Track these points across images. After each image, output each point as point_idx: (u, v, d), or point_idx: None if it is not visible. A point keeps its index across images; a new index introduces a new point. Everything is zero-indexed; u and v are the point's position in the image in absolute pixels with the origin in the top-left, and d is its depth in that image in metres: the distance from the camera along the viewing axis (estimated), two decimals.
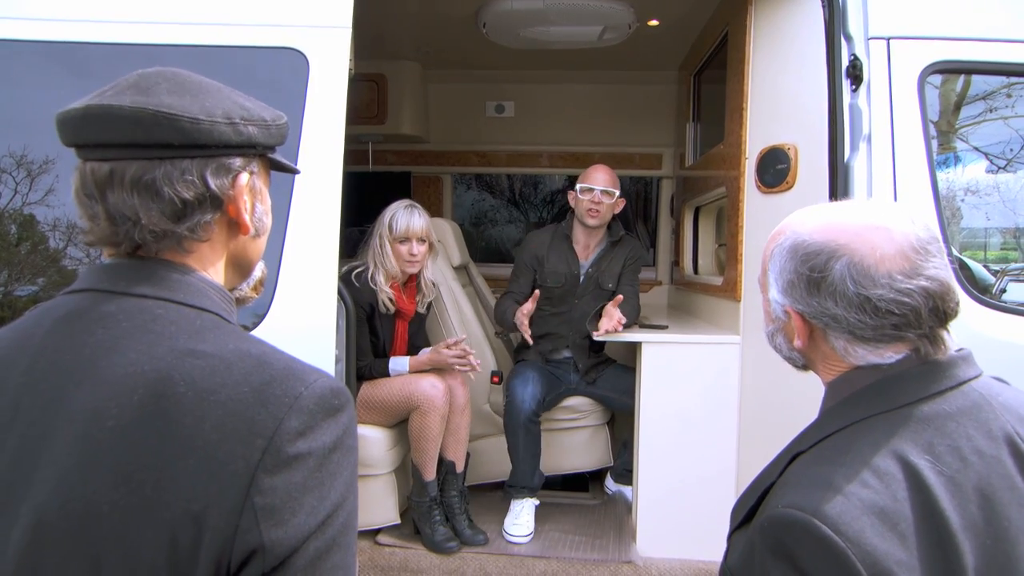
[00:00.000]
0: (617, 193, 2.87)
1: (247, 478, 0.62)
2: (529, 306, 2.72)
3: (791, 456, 0.88)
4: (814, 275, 0.86)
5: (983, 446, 0.81)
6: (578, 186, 2.89)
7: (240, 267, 0.84)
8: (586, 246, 2.94)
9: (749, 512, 0.90)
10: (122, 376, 0.65)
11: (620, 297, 2.65)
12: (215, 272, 0.79)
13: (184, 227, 0.73)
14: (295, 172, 0.88)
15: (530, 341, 2.76)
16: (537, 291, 2.75)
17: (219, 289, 0.78)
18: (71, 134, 0.73)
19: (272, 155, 0.83)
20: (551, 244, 2.94)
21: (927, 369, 0.85)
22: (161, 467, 0.62)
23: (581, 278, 2.90)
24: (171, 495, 0.61)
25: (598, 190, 2.83)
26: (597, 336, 2.57)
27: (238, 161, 0.76)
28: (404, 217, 2.58)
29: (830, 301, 0.85)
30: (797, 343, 0.93)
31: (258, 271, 0.88)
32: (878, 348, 0.86)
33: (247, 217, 0.79)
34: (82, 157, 0.74)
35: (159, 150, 0.71)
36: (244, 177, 0.77)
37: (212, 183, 0.74)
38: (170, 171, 0.72)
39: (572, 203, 2.95)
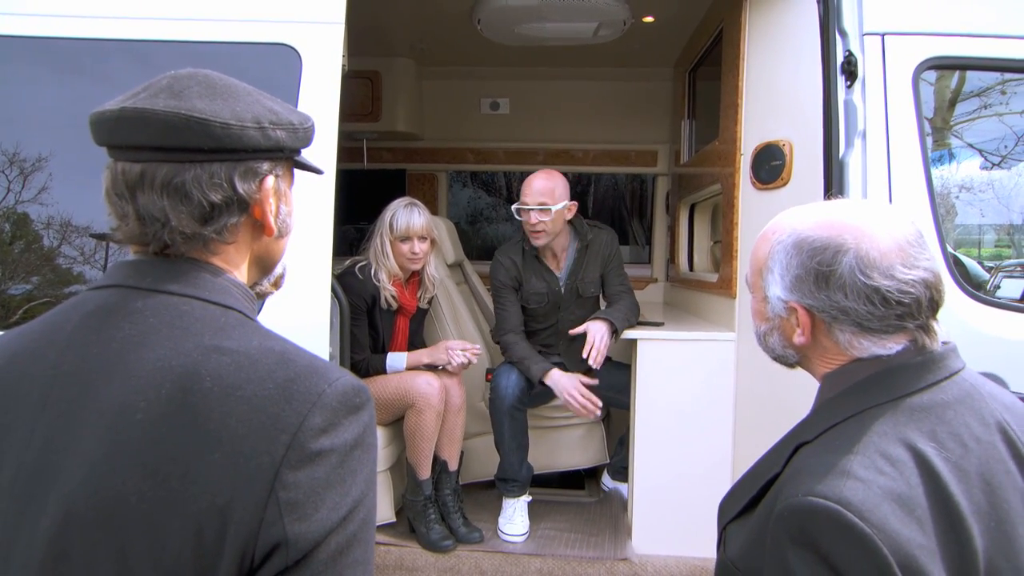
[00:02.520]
0: (556, 206, 2.58)
1: (271, 473, 0.63)
2: (583, 401, 2.52)
3: (794, 446, 0.90)
4: (823, 269, 0.89)
5: (979, 433, 0.84)
6: (516, 205, 2.63)
7: (263, 266, 0.86)
8: (554, 256, 2.76)
9: (750, 502, 0.91)
10: (150, 371, 0.66)
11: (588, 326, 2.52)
12: (239, 271, 0.81)
13: (211, 229, 0.75)
14: (319, 172, 0.90)
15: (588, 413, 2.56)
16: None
17: (242, 287, 0.80)
18: (105, 134, 0.75)
19: (297, 157, 0.84)
20: (524, 264, 2.74)
21: (925, 360, 0.88)
22: (188, 461, 0.63)
23: (562, 290, 2.79)
24: (197, 488, 0.62)
25: (532, 210, 2.56)
26: (594, 363, 2.50)
27: (265, 165, 0.78)
28: (404, 216, 2.58)
29: (840, 294, 0.88)
30: (799, 339, 0.94)
31: (279, 268, 0.90)
32: (882, 339, 0.89)
33: (272, 219, 0.80)
34: (114, 157, 0.75)
35: (190, 154, 0.73)
36: (270, 180, 0.79)
37: (240, 187, 0.75)
38: (199, 174, 0.73)
39: (518, 217, 2.70)
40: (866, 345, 0.89)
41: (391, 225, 2.57)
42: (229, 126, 0.73)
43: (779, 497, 0.82)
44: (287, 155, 0.81)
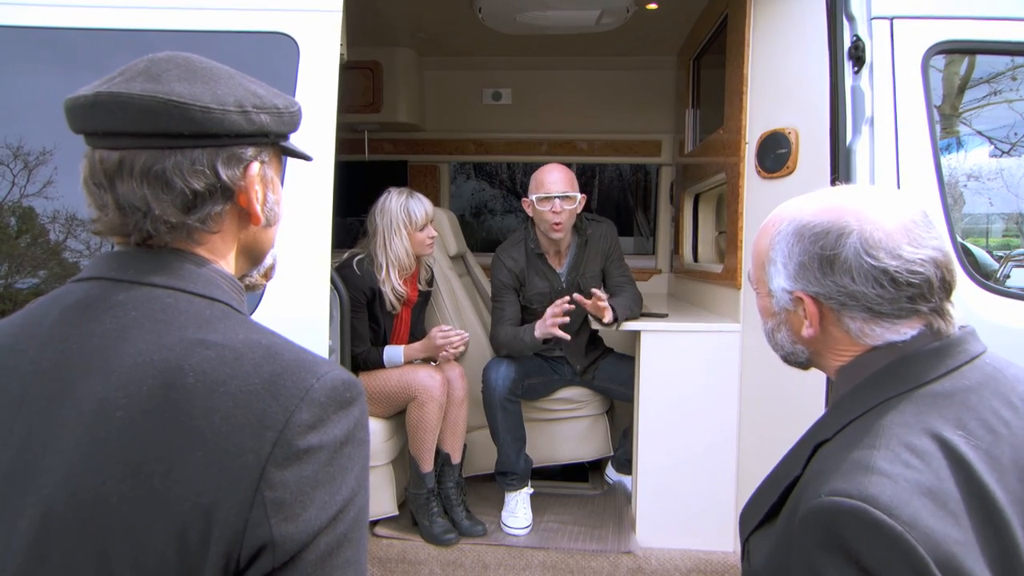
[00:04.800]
0: (578, 195, 2.59)
1: (257, 471, 0.61)
2: (555, 311, 2.46)
3: (813, 446, 0.86)
4: (826, 253, 0.86)
5: (1008, 417, 0.80)
6: (533, 196, 2.58)
7: (252, 256, 0.84)
8: (557, 252, 2.74)
9: (771, 510, 0.87)
10: (131, 366, 0.64)
11: (578, 297, 2.49)
12: (226, 261, 0.79)
13: (194, 218, 0.73)
14: (307, 159, 0.87)
15: (567, 336, 2.54)
16: (572, 295, 2.51)
17: (229, 278, 0.77)
18: (79, 121, 0.72)
19: (284, 143, 0.81)
20: (527, 264, 2.71)
21: (942, 345, 0.85)
22: (170, 459, 0.61)
23: (563, 287, 2.76)
24: (180, 488, 0.60)
25: (557, 198, 2.53)
26: (604, 324, 2.46)
27: (250, 150, 0.75)
28: (418, 205, 2.57)
29: (847, 278, 0.85)
30: (807, 332, 0.91)
31: (269, 259, 0.87)
32: (895, 324, 0.86)
33: (258, 207, 0.77)
34: (91, 145, 0.73)
35: (169, 139, 0.70)
36: (255, 167, 0.76)
37: (223, 173, 0.73)
38: (180, 161, 0.70)
39: (529, 212, 2.65)
40: (879, 332, 0.86)
41: (409, 218, 2.54)
42: (210, 110, 0.70)
43: (800, 501, 0.78)
44: (273, 140, 0.78)
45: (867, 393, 0.85)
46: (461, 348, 2.58)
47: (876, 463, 0.74)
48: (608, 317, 2.44)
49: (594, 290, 2.45)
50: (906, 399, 0.81)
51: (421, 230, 2.58)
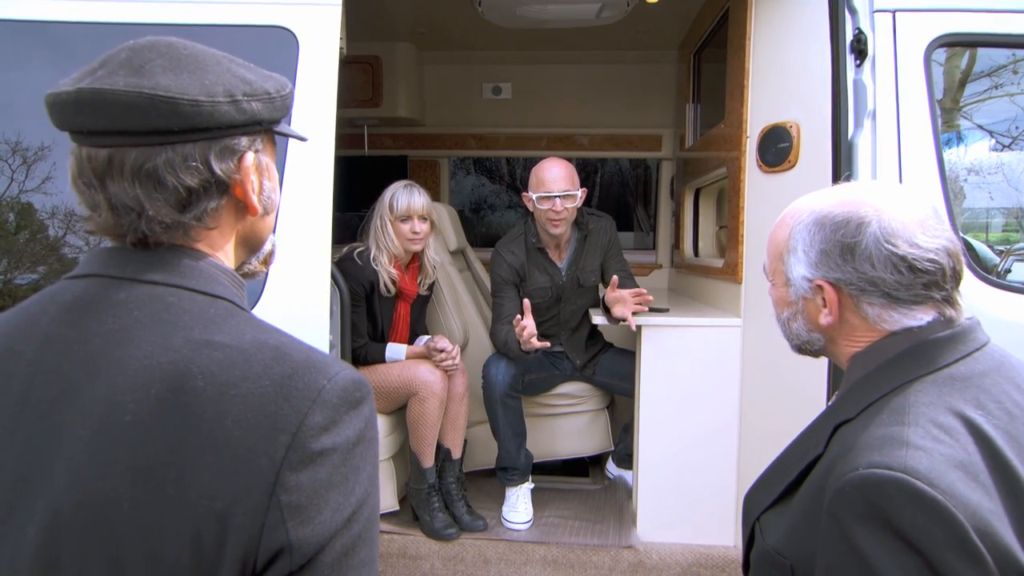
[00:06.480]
0: (578, 193, 2.58)
1: (272, 475, 0.60)
2: (528, 324, 2.39)
3: (833, 426, 0.89)
4: (847, 240, 0.90)
5: (1020, 400, 0.84)
6: (534, 194, 2.58)
7: (250, 245, 0.81)
8: (557, 247, 2.74)
9: (787, 489, 0.90)
10: (137, 369, 0.63)
11: (615, 279, 2.48)
12: (225, 255, 0.76)
13: (190, 216, 0.70)
14: (302, 139, 0.85)
15: (547, 344, 2.51)
16: (527, 303, 2.46)
17: (230, 273, 0.75)
18: (61, 118, 0.68)
19: (277, 127, 0.78)
20: (527, 259, 2.70)
21: (957, 332, 0.89)
22: (182, 464, 0.60)
23: (563, 281, 2.76)
24: (194, 493, 0.59)
25: (557, 197, 2.53)
26: (633, 322, 2.39)
27: (243, 140, 0.72)
28: (404, 196, 2.58)
29: (867, 264, 0.89)
30: (825, 319, 0.94)
31: (268, 245, 0.85)
32: (912, 310, 0.90)
33: (254, 198, 0.75)
34: (76, 142, 0.69)
35: (159, 136, 0.67)
36: (250, 157, 0.73)
37: (217, 167, 0.70)
38: (172, 158, 0.67)
39: (529, 207, 2.65)
40: (896, 317, 0.90)
41: (391, 205, 2.57)
42: (199, 103, 0.67)
43: (829, 476, 0.80)
44: (265, 127, 0.75)
45: (887, 375, 0.88)
46: (449, 363, 2.55)
47: (910, 438, 0.77)
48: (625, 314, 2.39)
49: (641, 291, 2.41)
50: (926, 381, 0.85)
51: (403, 222, 2.57)
